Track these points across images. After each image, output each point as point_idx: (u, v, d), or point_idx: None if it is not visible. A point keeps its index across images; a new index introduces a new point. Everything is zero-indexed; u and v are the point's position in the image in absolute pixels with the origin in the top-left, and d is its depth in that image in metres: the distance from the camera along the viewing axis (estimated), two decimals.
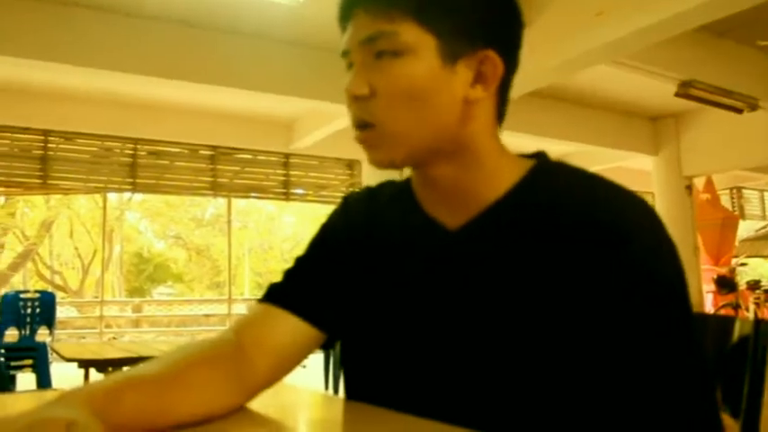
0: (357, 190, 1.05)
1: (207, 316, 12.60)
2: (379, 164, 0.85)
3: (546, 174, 0.87)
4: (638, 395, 0.74)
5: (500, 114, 0.88)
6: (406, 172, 0.92)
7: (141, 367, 0.78)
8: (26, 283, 17.01)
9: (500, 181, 0.86)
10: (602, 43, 4.59)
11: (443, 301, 0.84)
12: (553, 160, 0.89)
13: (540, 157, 0.90)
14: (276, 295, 0.93)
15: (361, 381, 0.93)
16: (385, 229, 0.94)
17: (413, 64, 0.80)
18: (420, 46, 0.80)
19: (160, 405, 0.74)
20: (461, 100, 0.82)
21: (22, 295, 6.24)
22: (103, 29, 5.40)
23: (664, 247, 0.79)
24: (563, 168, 0.87)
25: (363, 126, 0.83)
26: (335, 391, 3.63)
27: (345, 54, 0.85)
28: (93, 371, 3.98)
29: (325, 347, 0.96)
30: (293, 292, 0.93)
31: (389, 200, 0.97)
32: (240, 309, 10.72)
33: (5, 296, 6.24)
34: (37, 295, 6.28)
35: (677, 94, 6.09)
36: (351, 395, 0.94)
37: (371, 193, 1.01)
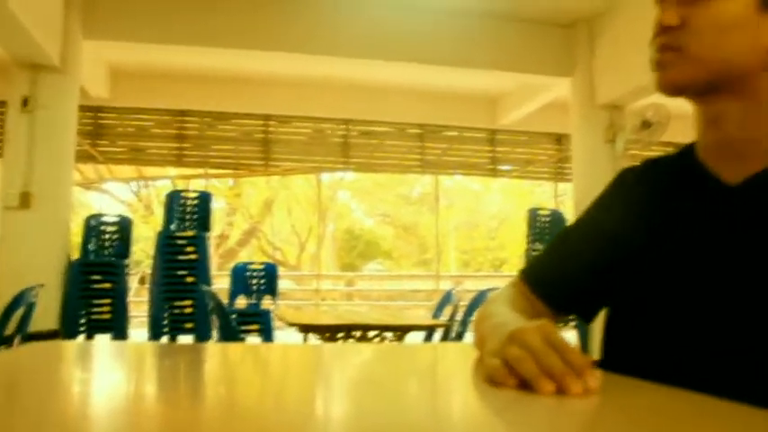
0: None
1: (414, 291, 12.94)
2: (672, 84, 0.87)
3: None
4: None
5: None
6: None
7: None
8: (252, 258, 18.45)
9: None
10: None
11: (719, 260, 0.82)
12: None
13: None
14: (527, 276, 1.06)
15: (625, 347, 0.93)
16: (662, 188, 0.95)
17: (729, 2, 0.82)
18: None
19: None
20: (766, 47, 0.82)
21: (249, 266, 6.81)
22: (319, 15, 5.68)
23: None
24: None
25: (666, 49, 0.86)
26: None
27: None
28: (311, 336, 4.24)
29: (586, 320, 1.03)
30: (541, 277, 1.05)
31: (670, 162, 0.99)
32: (446, 285, 10.83)
33: (236, 267, 6.84)
34: (261, 266, 6.82)
35: None
36: (608, 364, 0.92)
37: (650, 160, 1.03)
